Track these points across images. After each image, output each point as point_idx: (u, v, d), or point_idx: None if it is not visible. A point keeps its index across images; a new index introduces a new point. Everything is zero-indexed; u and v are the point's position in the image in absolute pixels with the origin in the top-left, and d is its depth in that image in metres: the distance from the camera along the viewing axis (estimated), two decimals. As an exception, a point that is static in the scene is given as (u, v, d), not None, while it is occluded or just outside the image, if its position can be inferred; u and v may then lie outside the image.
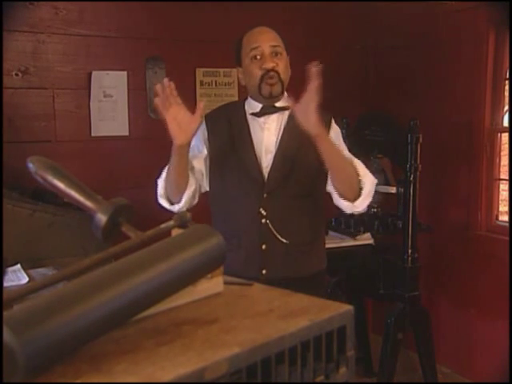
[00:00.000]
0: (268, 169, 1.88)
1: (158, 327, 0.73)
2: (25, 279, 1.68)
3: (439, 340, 2.95)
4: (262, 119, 1.92)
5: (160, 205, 1.92)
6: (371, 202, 1.94)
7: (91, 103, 2.78)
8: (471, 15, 2.92)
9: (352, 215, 2.94)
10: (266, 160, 1.89)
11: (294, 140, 1.88)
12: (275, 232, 1.85)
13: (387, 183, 2.85)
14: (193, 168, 1.90)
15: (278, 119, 1.92)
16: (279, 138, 1.90)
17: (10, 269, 1.72)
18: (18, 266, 1.75)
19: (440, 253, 3.17)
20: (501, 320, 2.82)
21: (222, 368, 0.62)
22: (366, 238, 2.78)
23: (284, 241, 1.86)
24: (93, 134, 2.80)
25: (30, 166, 0.84)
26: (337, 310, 0.77)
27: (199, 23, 2.99)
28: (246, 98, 1.98)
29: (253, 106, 1.94)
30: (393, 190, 2.78)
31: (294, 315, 0.76)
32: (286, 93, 1.94)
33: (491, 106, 2.95)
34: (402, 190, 2.70)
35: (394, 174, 2.86)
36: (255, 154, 1.89)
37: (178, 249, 0.75)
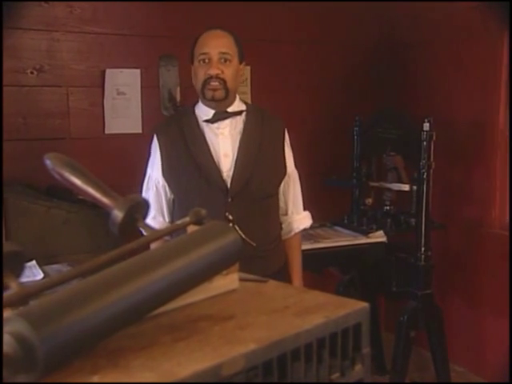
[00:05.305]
0: (230, 173, 1.91)
1: (174, 323, 0.74)
2: (40, 275, 1.70)
3: (452, 338, 2.93)
4: (215, 125, 1.94)
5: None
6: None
7: (105, 101, 2.79)
8: (485, 13, 2.90)
9: (365, 213, 2.95)
10: (226, 164, 1.92)
11: (253, 144, 1.93)
12: (243, 235, 1.86)
13: (400, 181, 2.83)
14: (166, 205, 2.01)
15: (231, 124, 1.95)
16: (238, 142, 1.93)
17: (26, 265, 1.74)
18: (34, 262, 1.77)
19: (453, 251, 3.15)
20: (515, 319, 2.80)
21: (239, 364, 0.62)
22: (378, 236, 2.77)
23: (252, 243, 1.88)
24: (106, 132, 2.82)
25: (48, 162, 0.85)
26: (352, 308, 0.77)
27: (212, 20, 2.98)
28: (196, 103, 2.00)
29: (205, 111, 1.96)
30: (406, 187, 2.77)
31: (310, 312, 0.76)
32: (238, 96, 1.99)
33: (505, 103, 2.92)
34: (415, 187, 2.68)
35: (407, 172, 2.85)
36: (213, 159, 1.91)
37: (194, 245, 0.75)
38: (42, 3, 2.63)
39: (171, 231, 0.87)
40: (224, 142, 1.93)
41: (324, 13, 3.25)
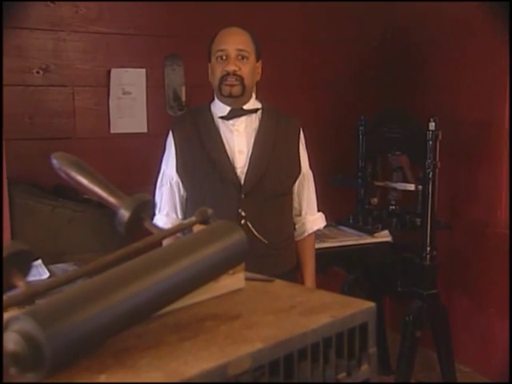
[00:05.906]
0: (244, 169, 1.91)
1: (181, 322, 0.74)
2: (46, 274, 1.70)
3: (458, 338, 2.92)
4: (230, 122, 1.94)
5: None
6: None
7: (110, 100, 2.79)
8: (486, 12, 2.89)
9: (370, 212, 2.95)
10: (240, 161, 1.92)
11: (268, 141, 1.93)
12: (255, 232, 1.87)
13: (406, 180, 2.83)
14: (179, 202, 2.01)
15: (246, 121, 1.95)
16: (253, 139, 1.93)
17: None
18: (39, 261, 1.77)
19: (459, 251, 3.14)
20: (521, 319, 2.79)
21: (245, 363, 0.62)
22: (384, 236, 2.77)
23: (264, 241, 1.88)
24: (112, 131, 2.82)
25: (54, 161, 0.85)
26: (359, 307, 0.77)
27: (218, 20, 2.99)
28: (212, 101, 2.00)
29: (221, 108, 1.96)
30: (411, 187, 2.76)
31: (316, 312, 0.76)
32: (254, 95, 1.98)
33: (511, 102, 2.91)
34: (421, 187, 2.67)
35: (413, 172, 2.84)
36: (228, 155, 1.91)
37: (201, 245, 0.75)
38: (48, 3, 2.64)
39: (177, 231, 0.87)
40: (239, 138, 1.93)
41: (329, 12, 3.24)
